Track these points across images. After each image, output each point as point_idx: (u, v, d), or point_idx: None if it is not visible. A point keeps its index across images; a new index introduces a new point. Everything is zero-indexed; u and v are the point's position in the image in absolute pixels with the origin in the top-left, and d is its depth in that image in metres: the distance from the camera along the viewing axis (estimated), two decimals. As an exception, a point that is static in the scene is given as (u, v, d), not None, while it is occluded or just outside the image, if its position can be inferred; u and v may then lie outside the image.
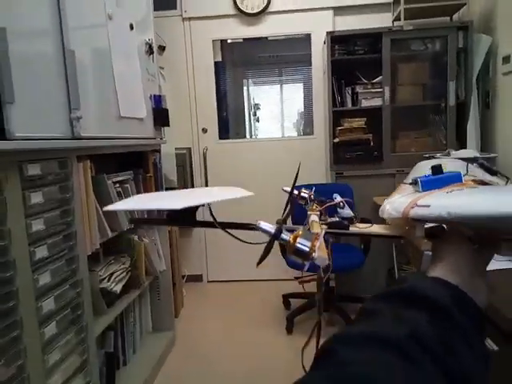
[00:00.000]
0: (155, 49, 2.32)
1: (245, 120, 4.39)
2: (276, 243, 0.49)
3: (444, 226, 0.51)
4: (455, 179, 0.59)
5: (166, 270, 2.42)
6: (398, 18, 2.94)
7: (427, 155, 2.84)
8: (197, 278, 3.59)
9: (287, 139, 3.66)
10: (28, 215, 1.20)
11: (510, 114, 2.62)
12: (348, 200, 0.72)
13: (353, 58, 2.94)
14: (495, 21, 2.74)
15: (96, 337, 1.62)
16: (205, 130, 3.51)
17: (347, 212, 0.71)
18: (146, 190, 2.23)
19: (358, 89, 2.98)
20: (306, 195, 0.80)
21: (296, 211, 0.61)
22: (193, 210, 0.58)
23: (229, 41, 3.63)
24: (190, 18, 3.36)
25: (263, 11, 3.26)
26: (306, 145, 3.44)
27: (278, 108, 4.51)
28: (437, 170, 0.63)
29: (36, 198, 1.24)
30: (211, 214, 0.62)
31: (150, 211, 2.02)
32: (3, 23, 1.11)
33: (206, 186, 3.52)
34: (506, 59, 2.57)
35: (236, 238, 0.60)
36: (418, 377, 0.30)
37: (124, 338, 2.09)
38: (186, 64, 3.42)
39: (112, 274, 1.90)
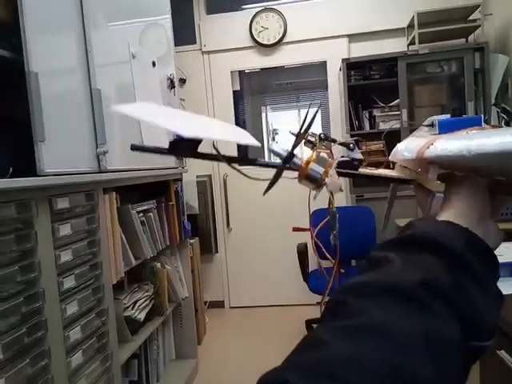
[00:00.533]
0: (176, 83, 2.42)
1: (263, 145, 4.45)
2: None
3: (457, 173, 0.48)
4: (475, 122, 0.54)
5: (188, 296, 2.44)
6: (412, 42, 2.98)
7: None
8: (219, 304, 3.60)
9: (306, 164, 3.68)
10: (57, 247, 1.26)
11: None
12: (357, 139, 0.69)
13: (369, 82, 2.98)
14: (511, 40, 2.74)
15: (121, 365, 1.64)
16: (225, 157, 3.57)
17: (357, 154, 0.69)
18: (168, 218, 2.28)
19: (376, 112, 3.01)
20: (313, 138, 0.76)
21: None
22: (197, 141, 0.54)
23: (246, 70, 3.73)
24: (209, 52, 3.49)
25: (279, 42, 3.36)
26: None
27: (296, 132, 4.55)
28: (457, 112, 0.59)
29: (64, 230, 1.30)
30: (215, 147, 0.57)
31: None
32: (36, 67, 1.20)
33: (227, 211, 3.57)
34: (524, 78, 2.56)
35: (243, 173, 0.55)
36: (432, 323, 0.29)
37: (148, 366, 2.11)
38: (206, 94, 3.53)
39: (136, 302, 1.94)
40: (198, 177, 3.37)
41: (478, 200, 0.43)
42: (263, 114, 4.52)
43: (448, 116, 0.59)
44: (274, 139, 4.56)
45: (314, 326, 2.88)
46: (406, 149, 0.55)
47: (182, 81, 3.39)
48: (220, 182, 3.58)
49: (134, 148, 0.49)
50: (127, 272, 1.82)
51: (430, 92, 3.03)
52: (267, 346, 2.80)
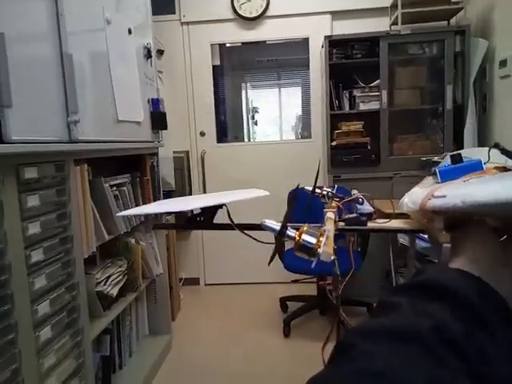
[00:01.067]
0: (153, 53, 2.33)
1: (243, 123, 4.40)
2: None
3: (473, 218, 0.48)
4: (475, 167, 0.56)
5: (162, 273, 2.42)
6: (395, 23, 2.96)
7: (424, 158, 2.85)
8: (194, 282, 3.59)
9: (285, 142, 3.66)
10: (24, 218, 1.21)
11: (506, 118, 2.63)
12: (366, 195, 0.71)
13: (351, 62, 2.95)
14: (492, 25, 2.76)
15: (92, 340, 1.62)
16: (203, 134, 3.51)
17: (367, 208, 0.70)
18: (143, 193, 2.24)
19: (356, 92, 2.99)
20: (326, 192, 0.81)
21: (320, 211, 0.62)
22: (212, 212, 0.59)
23: (227, 45, 3.63)
24: (188, 23, 3.37)
25: (261, 15, 3.27)
26: (304, 148, 3.45)
27: (276, 111, 4.51)
28: (456, 158, 0.61)
29: (32, 201, 1.24)
30: (229, 217, 0.65)
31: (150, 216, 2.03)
32: (1, 28, 1.11)
33: (204, 188, 3.53)
34: (502, 63, 2.58)
35: (253, 238, 0.66)
36: (439, 372, 0.29)
37: (120, 342, 2.09)
38: (185, 68, 3.43)
39: (109, 277, 1.90)
40: (175, 152, 3.31)
41: (488, 246, 0.43)
42: (243, 91, 4.45)
43: (448, 162, 0.61)
44: (253, 118, 4.50)
45: (288, 303, 2.92)
46: (410, 200, 0.57)
47: (160, 52, 3.28)
48: (197, 159, 3.52)
49: (156, 227, 0.59)
50: (100, 247, 1.78)
51: (410, 74, 3.03)
52: (241, 323, 2.83)
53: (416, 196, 0.55)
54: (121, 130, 1.91)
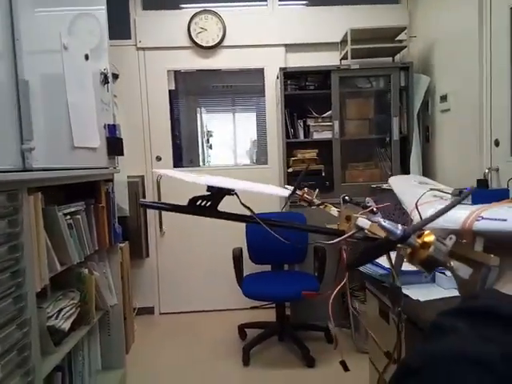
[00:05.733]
0: (110, 78, 2.31)
1: (198, 147, 4.40)
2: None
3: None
4: (504, 194, 0.60)
5: (117, 303, 2.33)
6: (345, 57, 3.14)
7: (374, 185, 3.00)
8: (148, 311, 3.47)
9: (242, 168, 3.71)
10: (-27, 252, 1.13)
11: (447, 148, 2.85)
12: (383, 205, 0.68)
13: (304, 92, 3.08)
14: (432, 63, 3.00)
15: (43, 378, 1.51)
16: (159, 158, 3.48)
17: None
18: (98, 221, 2.16)
19: (310, 122, 3.12)
20: (309, 197, 0.77)
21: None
22: (219, 198, 0.52)
23: (182, 70, 3.66)
24: (144, 48, 3.38)
25: (218, 45, 3.35)
26: (261, 174, 3.51)
27: (230, 136, 4.57)
28: (482, 183, 0.64)
29: (-17, 233, 1.17)
30: (242, 203, 0.57)
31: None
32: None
33: (160, 213, 3.47)
34: (443, 98, 2.81)
35: (283, 240, 0.59)
36: None
37: (72, 379, 1.97)
38: (140, 92, 3.41)
39: (60, 311, 1.80)
40: (129, 177, 3.24)
41: None
42: (198, 116, 4.48)
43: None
44: (208, 141, 4.53)
45: (247, 330, 2.90)
46: (446, 220, 0.54)
47: (115, 76, 3.23)
48: (153, 183, 3.46)
49: (143, 205, 0.48)
50: (51, 278, 1.69)
51: (359, 105, 3.21)
52: (199, 352, 2.76)
53: (453, 216, 0.54)
54: (76, 157, 1.86)
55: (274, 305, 2.82)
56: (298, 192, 0.77)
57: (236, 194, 0.52)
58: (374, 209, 0.65)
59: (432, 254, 0.42)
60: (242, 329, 2.92)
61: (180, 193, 3.56)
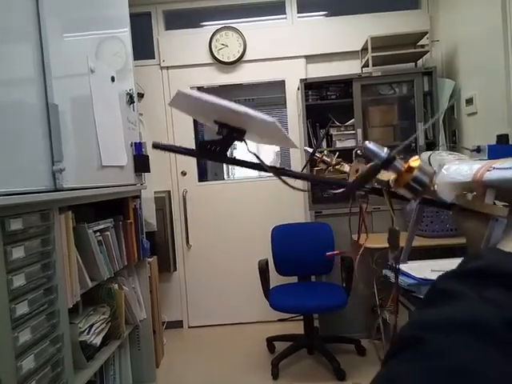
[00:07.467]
0: (135, 98, 2.38)
1: (223, 165, 4.44)
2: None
3: None
4: None
5: (146, 318, 2.36)
6: (366, 65, 3.12)
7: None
8: (177, 325, 3.50)
9: (265, 179, 3.72)
10: (9, 271, 1.18)
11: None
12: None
13: (326, 102, 3.08)
14: (456, 66, 2.95)
15: (76, 395, 1.55)
16: (184, 173, 3.54)
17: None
18: (126, 237, 2.21)
19: (332, 131, 3.10)
20: (328, 159, 0.79)
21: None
22: (227, 144, 0.52)
23: (205, 86, 3.73)
24: (168, 67, 3.47)
25: (239, 60, 3.40)
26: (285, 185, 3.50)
27: (254, 148, 4.58)
28: (503, 139, 0.61)
29: (17, 252, 1.22)
30: (254, 154, 0.55)
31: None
32: None
33: (186, 227, 3.51)
34: (468, 101, 2.75)
35: (290, 186, 0.55)
36: None
37: (104, 394, 2.00)
38: (165, 110, 3.49)
39: (92, 326, 1.85)
40: (156, 193, 3.30)
41: None
42: (222, 130, 4.52)
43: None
44: (231, 154, 4.57)
45: (275, 343, 2.88)
46: (457, 172, 0.53)
47: (140, 95, 3.33)
48: (179, 198, 3.52)
49: (156, 146, 0.48)
50: (83, 295, 1.73)
51: (382, 112, 3.17)
52: (227, 366, 2.75)
53: (464, 169, 0.52)
54: (105, 175, 1.92)
55: (301, 317, 2.79)
56: (318, 154, 0.80)
57: (244, 140, 0.52)
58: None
59: (416, 174, 0.42)
60: (270, 342, 2.90)
61: (205, 206, 3.60)
